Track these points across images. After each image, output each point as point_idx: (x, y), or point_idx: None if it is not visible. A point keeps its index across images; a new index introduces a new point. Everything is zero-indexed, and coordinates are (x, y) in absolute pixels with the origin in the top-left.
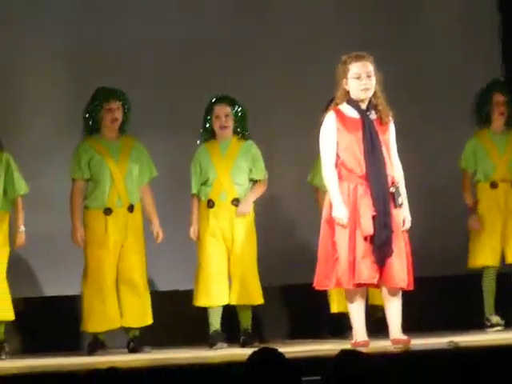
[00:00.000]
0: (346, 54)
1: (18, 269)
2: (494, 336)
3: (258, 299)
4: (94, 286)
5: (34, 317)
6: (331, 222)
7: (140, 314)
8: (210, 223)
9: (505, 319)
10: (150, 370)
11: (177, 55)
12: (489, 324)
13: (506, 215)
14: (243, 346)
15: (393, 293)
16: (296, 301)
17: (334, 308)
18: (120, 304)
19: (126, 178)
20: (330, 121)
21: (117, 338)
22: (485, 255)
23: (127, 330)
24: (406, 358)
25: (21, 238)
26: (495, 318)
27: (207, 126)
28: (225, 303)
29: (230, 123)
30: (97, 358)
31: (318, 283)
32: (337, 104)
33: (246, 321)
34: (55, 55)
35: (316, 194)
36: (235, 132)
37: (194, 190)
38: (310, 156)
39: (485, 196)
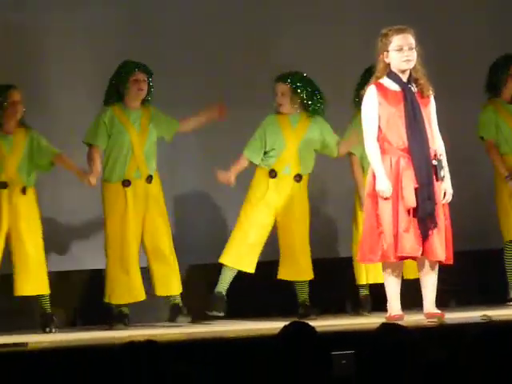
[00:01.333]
0: (386, 27)
1: (54, 242)
2: None
3: (307, 275)
4: (118, 258)
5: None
6: (374, 195)
7: (171, 282)
8: (268, 193)
9: None
10: (187, 342)
11: (211, 29)
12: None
13: None
14: (301, 318)
15: (431, 266)
16: (339, 274)
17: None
18: (151, 275)
19: (145, 147)
20: (371, 95)
21: (147, 312)
22: None
23: (167, 298)
24: (441, 332)
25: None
26: None
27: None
28: (252, 271)
29: (285, 101)
30: (129, 332)
31: (363, 257)
32: (377, 78)
33: (302, 294)
34: (80, 25)
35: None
36: (302, 107)
37: (255, 160)
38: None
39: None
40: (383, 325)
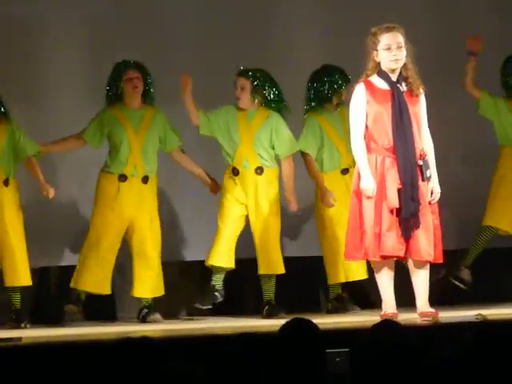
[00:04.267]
0: (376, 26)
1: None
2: None
3: (280, 269)
4: (94, 246)
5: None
6: (359, 193)
7: (151, 285)
8: (236, 189)
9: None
10: (181, 339)
11: (198, 27)
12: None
13: None
14: (268, 317)
15: (420, 265)
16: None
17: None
18: (133, 275)
19: (143, 147)
20: (359, 92)
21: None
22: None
23: (139, 298)
24: (436, 331)
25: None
26: (467, 274)
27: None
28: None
29: (244, 95)
30: (123, 327)
31: (348, 255)
32: (367, 75)
33: (269, 292)
34: (78, 23)
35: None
36: (261, 104)
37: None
38: None
39: (508, 160)
40: (383, 322)
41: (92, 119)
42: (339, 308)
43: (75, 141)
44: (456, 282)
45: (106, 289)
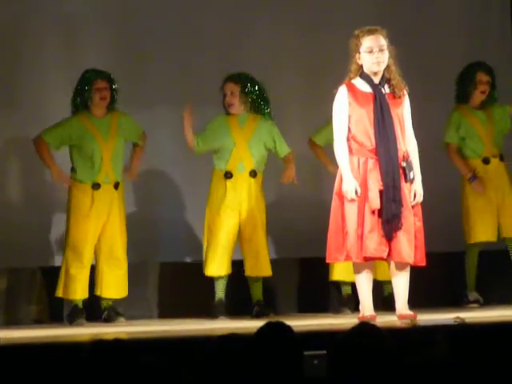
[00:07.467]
0: (359, 29)
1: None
2: (500, 312)
3: (267, 271)
4: (73, 254)
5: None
6: (341, 195)
7: (119, 286)
8: (227, 194)
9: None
10: (157, 341)
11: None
12: (467, 300)
13: (502, 190)
14: (257, 316)
15: (400, 268)
16: (309, 274)
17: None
18: (100, 276)
19: (113, 155)
20: (341, 95)
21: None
22: (482, 230)
23: (102, 299)
24: (415, 333)
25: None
26: (475, 295)
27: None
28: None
29: (235, 101)
30: (92, 329)
31: (329, 256)
32: (350, 78)
33: (258, 293)
34: (56, 24)
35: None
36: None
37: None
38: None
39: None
40: (360, 324)
41: (57, 123)
42: (340, 309)
43: (47, 150)
44: (471, 305)
45: (86, 292)
